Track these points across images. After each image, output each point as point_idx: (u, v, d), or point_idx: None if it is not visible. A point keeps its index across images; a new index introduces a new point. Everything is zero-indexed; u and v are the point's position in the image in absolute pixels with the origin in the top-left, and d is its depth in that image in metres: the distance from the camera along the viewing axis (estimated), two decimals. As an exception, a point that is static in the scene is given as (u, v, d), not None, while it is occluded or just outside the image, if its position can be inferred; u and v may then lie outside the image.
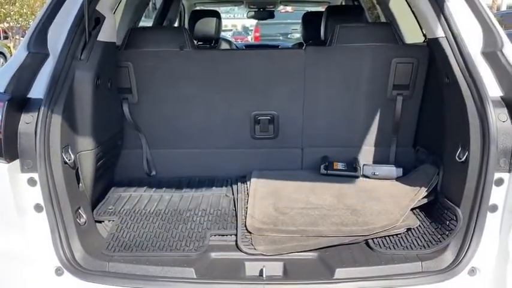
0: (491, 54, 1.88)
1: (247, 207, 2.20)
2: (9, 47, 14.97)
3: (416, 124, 2.62)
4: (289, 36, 11.13)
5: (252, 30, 14.65)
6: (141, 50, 2.50)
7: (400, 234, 2.03)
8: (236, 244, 1.98)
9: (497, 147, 1.75)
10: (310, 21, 4.02)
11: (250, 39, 15.29)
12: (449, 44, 1.96)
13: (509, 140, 1.75)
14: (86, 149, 2.07)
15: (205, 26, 3.92)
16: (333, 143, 2.66)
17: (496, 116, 1.76)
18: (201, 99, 2.58)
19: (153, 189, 2.54)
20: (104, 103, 2.21)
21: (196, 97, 2.57)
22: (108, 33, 2.16)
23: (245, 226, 2.05)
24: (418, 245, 1.96)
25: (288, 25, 11.73)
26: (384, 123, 2.61)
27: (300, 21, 4.39)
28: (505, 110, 1.77)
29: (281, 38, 11.20)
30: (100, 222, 2.21)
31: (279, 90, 2.57)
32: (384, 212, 2.11)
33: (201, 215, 2.23)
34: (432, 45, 2.25)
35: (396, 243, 1.98)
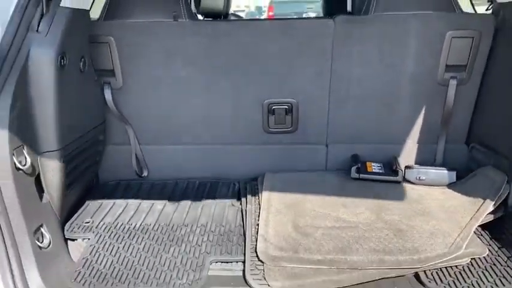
0: None
1: (258, 225, 1.71)
2: None
3: (471, 115, 2.08)
4: (303, 15, 10.58)
5: (265, 10, 14.07)
6: (125, 21, 1.98)
7: (461, 265, 1.52)
8: (244, 277, 1.50)
9: None
10: None
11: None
12: None
13: None
14: (50, 150, 1.60)
15: None
16: (366, 138, 2.13)
17: None
18: (201, 84, 2.06)
19: (143, 195, 2.06)
20: (73, 89, 1.72)
21: (196, 81, 2.06)
22: None
23: (256, 252, 1.57)
24: (488, 281, 1.45)
25: (303, 3, 11.13)
26: (432, 113, 2.07)
27: None
28: None
29: (295, 17, 10.61)
30: (73, 240, 1.75)
31: (300, 72, 2.04)
32: (439, 233, 1.60)
33: (200, 232, 1.75)
34: (505, 12, 1.70)
35: (457, 279, 1.47)
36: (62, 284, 1.48)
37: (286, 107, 2.09)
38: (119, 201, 2.00)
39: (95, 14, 2.06)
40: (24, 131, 1.48)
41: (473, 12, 2.10)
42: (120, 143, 2.17)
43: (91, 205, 1.97)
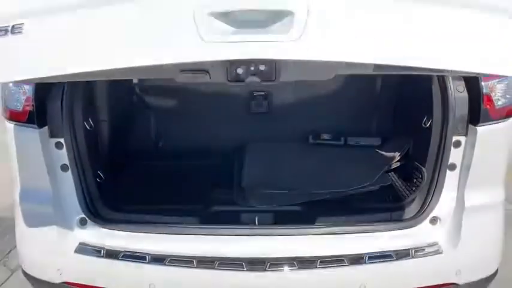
0: None
1: (243, 169, 2.53)
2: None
3: (395, 99, 2.92)
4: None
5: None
6: None
7: (374, 191, 2.35)
8: (233, 200, 2.31)
9: (455, 114, 2.02)
10: None
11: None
12: None
13: (465, 108, 2.02)
14: (103, 120, 2.40)
15: None
16: (321, 117, 2.96)
17: (455, 87, 2.05)
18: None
19: (161, 157, 2.87)
20: (116, 83, 2.51)
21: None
22: None
23: (240, 184, 2.38)
24: (389, 199, 2.28)
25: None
26: (367, 99, 2.91)
27: None
28: (463, 83, 2.03)
29: None
30: (116, 182, 2.53)
31: None
32: (361, 172, 2.44)
33: (204, 178, 2.55)
34: None
35: (371, 199, 2.30)
36: (115, 202, 2.26)
37: (263, 94, 2.92)
38: (144, 161, 2.80)
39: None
40: (90, 107, 2.28)
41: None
42: (143, 122, 2.98)
43: (125, 162, 2.76)
